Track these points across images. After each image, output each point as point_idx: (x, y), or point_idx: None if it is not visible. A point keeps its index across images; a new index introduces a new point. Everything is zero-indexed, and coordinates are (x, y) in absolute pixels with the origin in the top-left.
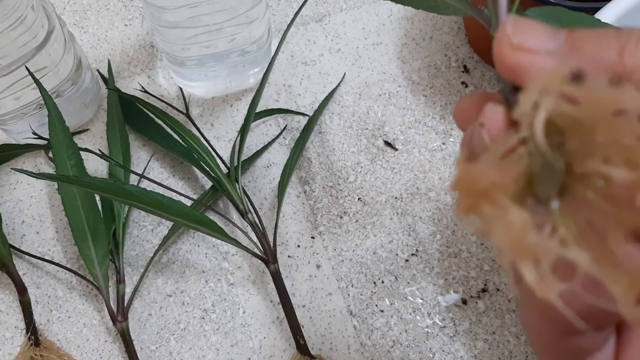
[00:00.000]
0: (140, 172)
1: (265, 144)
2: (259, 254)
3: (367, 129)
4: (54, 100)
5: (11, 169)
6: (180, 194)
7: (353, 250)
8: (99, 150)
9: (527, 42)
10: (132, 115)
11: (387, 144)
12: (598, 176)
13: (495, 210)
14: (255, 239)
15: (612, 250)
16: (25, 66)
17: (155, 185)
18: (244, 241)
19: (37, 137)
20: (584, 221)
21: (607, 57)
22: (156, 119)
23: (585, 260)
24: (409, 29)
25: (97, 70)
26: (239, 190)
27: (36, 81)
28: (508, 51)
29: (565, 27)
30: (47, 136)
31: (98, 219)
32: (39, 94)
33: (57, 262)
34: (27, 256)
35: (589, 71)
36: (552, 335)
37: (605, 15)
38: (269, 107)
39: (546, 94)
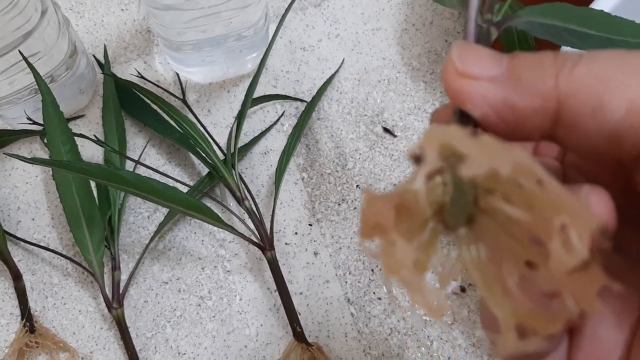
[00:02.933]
0: (136, 158)
1: (263, 130)
2: (256, 241)
3: (365, 115)
4: (49, 86)
5: (4, 153)
6: (177, 181)
7: (351, 238)
8: (95, 136)
9: (470, 68)
10: (128, 101)
11: (386, 130)
12: (499, 211)
13: (384, 242)
14: (252, 226)
15: (504, 279)
16: (19, 50)
17: (151, 171)
18: (241, 228)
19: (32, 122)
20: (487, 249)
21: (543, 84)
22: (152, 105)
23: (423, 306)
24: (409, 14)
25: (93, 55)
26: (235, 177)
27: (30, 65)
28: (453, 77)
29: (566, 23)
30: (42, 122)
31: (93, 205)
32: (33, 79)
33: (52, 248)
34: (22, 243)
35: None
36: None
37: (602, 4)
38: (267, 93)
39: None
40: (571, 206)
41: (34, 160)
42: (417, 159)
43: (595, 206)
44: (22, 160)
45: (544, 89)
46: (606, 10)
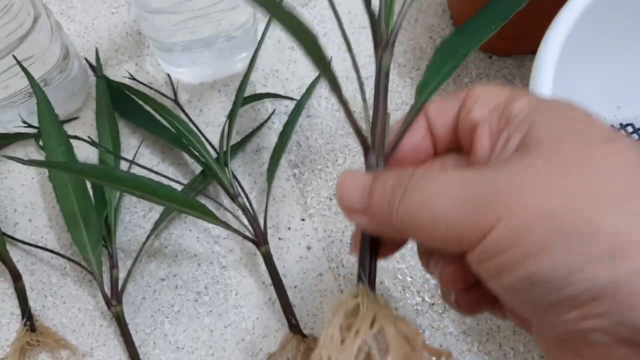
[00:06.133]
0: (130, 158)
1: (255, 128)
2: (250, 236)
3: (354, 111)
4: (43, 89)
5: (1, 156)
6: (171, 179)
7: (343, 232)
8: (89, 137)
9: (347, 201)
10: (121, 102)
11: None
12: None
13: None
14: (246, 222)
15: None
16: (13, 55)
17: (145, 171)
18: (235, 225)
19: (27, 125)
20: None
21: (386, 216)
22: (145, 106)
23: None
24: None
25: (85, 58)
26: (228, 175)
27: (24, 70)
28: (341, 208)
29: None
30: (37, 125)
31: (90, 205)
32: (28, 83)
33: (50, 248)
34: (20, 244)
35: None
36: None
37: (575, 4)
38: (257, 92)
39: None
40: None
41: (32, 162)
42: None
43: None
44: (19, 162)
45: (389, 221)
46: (580, 10)
